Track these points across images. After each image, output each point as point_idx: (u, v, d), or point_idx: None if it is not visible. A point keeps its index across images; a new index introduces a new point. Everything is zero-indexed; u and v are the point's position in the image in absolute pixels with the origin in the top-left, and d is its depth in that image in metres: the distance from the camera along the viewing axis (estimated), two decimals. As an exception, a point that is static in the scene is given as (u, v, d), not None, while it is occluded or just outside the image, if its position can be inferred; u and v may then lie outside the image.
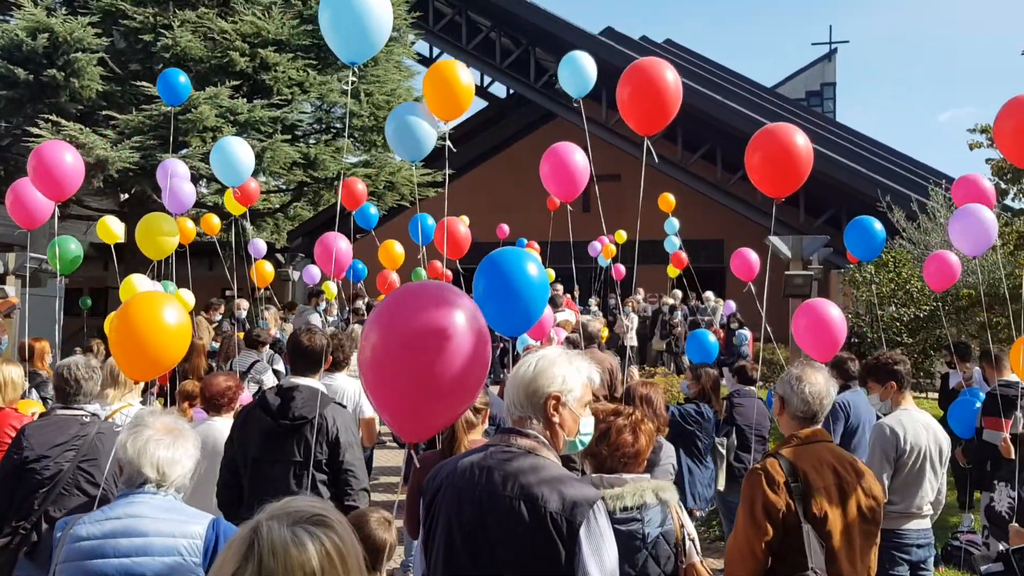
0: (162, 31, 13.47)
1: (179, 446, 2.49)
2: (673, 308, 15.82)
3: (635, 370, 11.03)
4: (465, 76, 4.97)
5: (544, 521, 2.18)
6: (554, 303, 15.13)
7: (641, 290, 18.32)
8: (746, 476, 3.07)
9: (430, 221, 8.06)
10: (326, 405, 3.81)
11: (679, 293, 17.29)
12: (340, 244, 6.52)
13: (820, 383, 3.09)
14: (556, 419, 2.41)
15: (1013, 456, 4.88)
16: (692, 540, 2.93)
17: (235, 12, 13.99)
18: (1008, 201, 10.46)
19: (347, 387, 5.40)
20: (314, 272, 12.29)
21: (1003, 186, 10.11)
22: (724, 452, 5.72)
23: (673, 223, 15.51)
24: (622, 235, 16.91)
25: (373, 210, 10.59)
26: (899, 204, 13.59)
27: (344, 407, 4.03)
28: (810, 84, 40.47)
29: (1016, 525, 3.97)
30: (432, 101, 4.95)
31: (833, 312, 5.40)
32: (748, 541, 2.92)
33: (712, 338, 7.18)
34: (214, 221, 9.51)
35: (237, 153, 6.24)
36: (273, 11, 14.19)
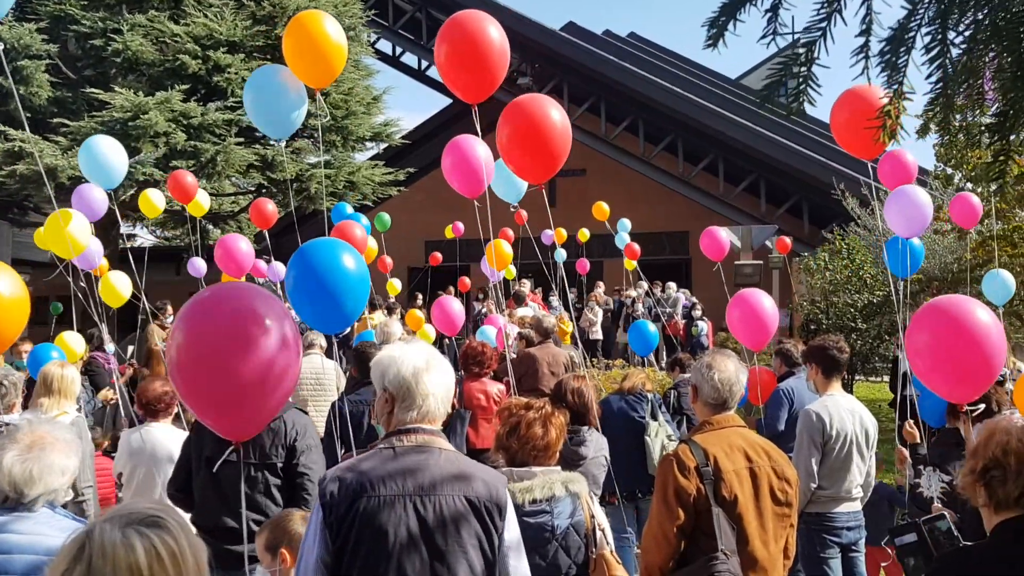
0: (112, 36, 13.31)
1: (43, 460, 2.36)
2: (635, 301, 15.91)
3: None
4: (334, 29, 4.30)
5: (480, 511, 2.28)
6: (518, 299, 15.17)
7: (601, 284, 18.35)
8: (659, 463, 3.11)
9: (348, 209, 8.07)
10: (286, 409, 3.78)
11: (644, 285, 17.37)
12: (240, 246, 6.45)
13: (730, 370, 3.13)
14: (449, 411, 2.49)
15: (918, 440, 4.89)
16: (603, 530, 2.96)
17: (186, 15, 13.86)
18: (953, 186, 10.60)
19: None
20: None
21: (948, 171, 10.26)
22: (662, 440, 5.71)
23: (625, 223, 15.78)
24: (585, 233, 17.00)
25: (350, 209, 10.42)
26: (852, 190, 13.74)
27: (305, 412, 4.03)
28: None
29: (938, 505, 4.04)
30: (295, 64, 4.34)
31: (765, 302, 5.46)
32: (661, 525, 2.96)
33: (652, 328, 7.22)
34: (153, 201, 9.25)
35: (105, 153, 5.99)
36: (225, 13, 14.07)
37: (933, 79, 1.72)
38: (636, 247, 14.85)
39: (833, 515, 4.36)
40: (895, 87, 1.79)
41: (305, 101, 4.45)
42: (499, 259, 8.83)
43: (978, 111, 1.78)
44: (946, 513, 2.47)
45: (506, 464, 2.99)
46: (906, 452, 4.75)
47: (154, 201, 9.26)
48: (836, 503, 4.38)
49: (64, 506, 2.66)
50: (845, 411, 4.38)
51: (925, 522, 2.47)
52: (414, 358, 2.40)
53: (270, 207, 8.67)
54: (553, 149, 4.10)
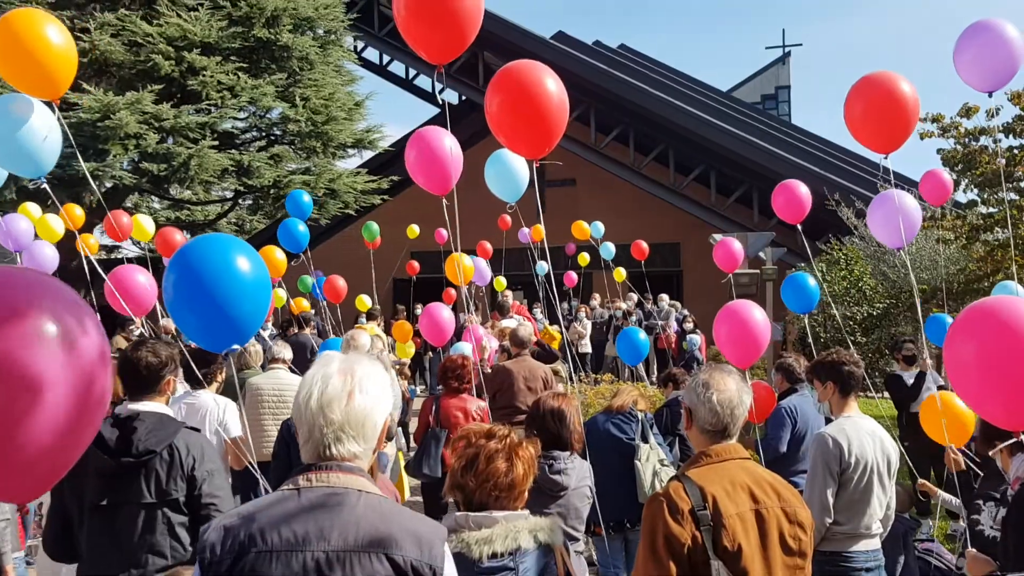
0: (80, 35, 12.76)
1: None
2: (627, 313, 15.39)
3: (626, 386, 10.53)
4: (54, 34, 3.51)
5: (406, 572, 1.75)
6: (502, 310, 14.65)
7: (597, 295, 17.87)
8: (647, 503, 2.55)
9: (306, 198, 7.47)
10: (176, 432, 3.22)
11: (635, 297, 16.86)
12: (139, 279, 5.58)
13: (731, 390, 2.58)
14: (383, 445, 1.94)
15: (963, 468, 4.38)
16: (580, 590, 2.41)
17: (159, 14, 13.32)
18: (960, 192, 10.13)
19: (211, 405, 4.67)
20: None
21: (954, 177, 9.79)
22: (653, 464, 5.15)
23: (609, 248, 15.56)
24: (585, 258, 16.58)
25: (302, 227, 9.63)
26: (848, 201, 13.32)
27: (197, 430, 3.44)
28: (765, 87, 40.57)
29: (973, 551, 3.50)
30: (8, 73, 3.56)
31: (756, 315, 4.96)
32: (649, 582, 2.40)
33: (643, 336, 6.74)
34: (90, 242, 8.51)
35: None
36: (200, 13, 13.54)
37: None
38: (644, 245, 14.68)
39: (851, 554, 3.80)
40: None
41: (54, 127, 3.66)
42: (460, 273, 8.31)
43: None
44: None
45: (462, 507, 2.44)
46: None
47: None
48: (854, 540, 3.81)
49: None
50: (866, 435, 3.81)
51: None
52: (331, 378, 1.85)
53: (125, 220, 7.82)
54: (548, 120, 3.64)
